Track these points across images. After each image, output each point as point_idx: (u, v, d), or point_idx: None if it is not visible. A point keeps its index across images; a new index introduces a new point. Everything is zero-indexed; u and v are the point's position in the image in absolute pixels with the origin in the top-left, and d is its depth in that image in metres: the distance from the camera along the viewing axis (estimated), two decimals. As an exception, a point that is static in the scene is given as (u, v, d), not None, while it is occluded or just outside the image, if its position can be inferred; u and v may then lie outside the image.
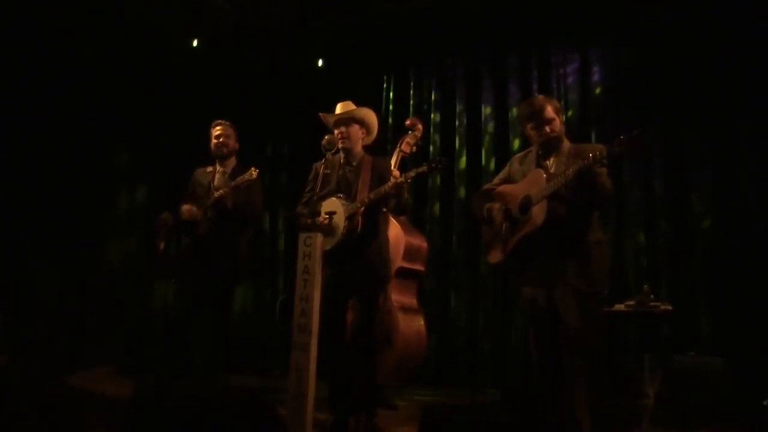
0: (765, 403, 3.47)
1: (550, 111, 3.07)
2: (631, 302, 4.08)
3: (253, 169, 3.89)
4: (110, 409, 3.65)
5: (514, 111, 5.67)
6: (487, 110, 5.99)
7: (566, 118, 5.36)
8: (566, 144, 3.10)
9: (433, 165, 3.21)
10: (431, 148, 6.12)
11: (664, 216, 5.08)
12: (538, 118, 3.07)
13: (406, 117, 5.35)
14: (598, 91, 5.50)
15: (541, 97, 3.22)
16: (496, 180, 3.36)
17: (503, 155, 5.60)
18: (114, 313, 5.58)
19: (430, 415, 1.89)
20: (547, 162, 3.05)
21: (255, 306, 6.59)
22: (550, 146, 3.08)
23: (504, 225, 2.97)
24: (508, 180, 3.26)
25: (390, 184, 3.22)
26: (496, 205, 3.13)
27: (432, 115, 6.25)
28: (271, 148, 6.93)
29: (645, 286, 4.18)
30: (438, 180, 6.09)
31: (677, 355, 4.23)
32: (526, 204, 2.97)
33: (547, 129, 3.05)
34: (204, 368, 4.08)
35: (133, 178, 6.26)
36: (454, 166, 6.00)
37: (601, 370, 2.82)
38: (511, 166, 3.30)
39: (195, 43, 6.29)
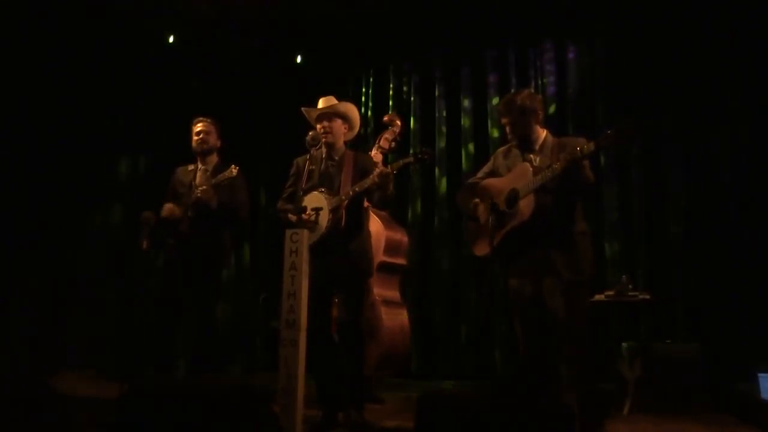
0: None
1: (515, 113, 3.10)
2: (611, 292, 4.16)
3: (233, 166, 3.85)
4: (95, 412, 3.61)
5: (494, 101, 5.74)
6: (465, 103, 6.03)
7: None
8: (549, 138, 3.15)
9: (419, 155, 3.23)
10: (411, 141, 6.13)
11: (640, 208, 5.19)
12: (506, 117, 3.15)
13: (385, 113, 5.35)
14: (575, 82, 5.57)
15: (513, 94, 3.26)
16: (480, 174, 3.39)
17: (482, 147, 5.72)
18: (97, 315, 5.51)
19: (425, 403, 1.91)
20: (531, 156, 3.10)
21: (238, 304, 6.54)
22: (524, 143, 3.15)
23: (490, 219, 3.01)
24: (493, 174, 3.30)
25: (375, 173, 3.20)
26: (482, 204, 3.17)
27: (411, 111, 6.26)
28: (253, 145, 6.86)
29: (624, 276, 4.26)
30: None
31: (655, 342, 4.36)
32: (513, 197, 3.02)
33: (507, 130, 3.16)
34: (190, 366, 4.05)
35: (115, 180, 6.19)
36: (434, 159, 6.03)
37: (587, 357, 2.89)
38: (496, 159, 3.34)
39: (171, 39, 6.21)
